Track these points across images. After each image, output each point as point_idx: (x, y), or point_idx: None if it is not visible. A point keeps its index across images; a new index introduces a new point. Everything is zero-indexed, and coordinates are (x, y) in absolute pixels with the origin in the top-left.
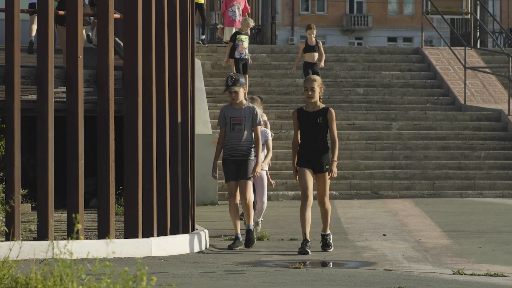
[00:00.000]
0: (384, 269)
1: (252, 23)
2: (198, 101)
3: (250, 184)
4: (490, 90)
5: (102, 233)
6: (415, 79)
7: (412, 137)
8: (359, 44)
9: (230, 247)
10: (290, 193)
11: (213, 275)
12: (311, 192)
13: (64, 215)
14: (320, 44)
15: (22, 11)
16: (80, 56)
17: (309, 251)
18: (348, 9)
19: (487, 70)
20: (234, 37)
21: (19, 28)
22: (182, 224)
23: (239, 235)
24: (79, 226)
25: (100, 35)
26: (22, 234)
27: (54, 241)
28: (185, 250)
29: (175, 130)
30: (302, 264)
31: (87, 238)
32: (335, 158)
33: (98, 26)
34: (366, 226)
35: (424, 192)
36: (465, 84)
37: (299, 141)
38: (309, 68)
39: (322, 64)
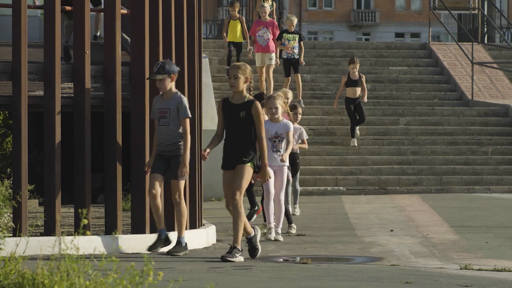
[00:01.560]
0: (391, 265)
1: (295, 19)
2: (205, 96)
3: (180, 184)
4: (498, 85)
5: (109, 228)
6: (423, 74)
7: (419, 133)
8: (366, 39)
9: (151, 248)
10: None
11: (220, 271)
12: None
13: (71, 211)
14: (363, 79)
15: (29, 7)
16: (87, 52)
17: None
18: (355, 5)
19: (494, 65)
20: (280, 36)
21: (26, 24)
22: (189, 219)
23: (164, 231)
24: (86, 221)
25: (107, 31)
26: (29, 230)
27: (61, 237)
28: (193, 245)
29: None
30: (310, 260)
31: (94, 234)
32: (266, 161)
33: (105, 22)
34: (374, 222)
35: (432, 187)
36: (472, 79)
37: (220, 133)
38: (351, 104)
39: (365, 99)
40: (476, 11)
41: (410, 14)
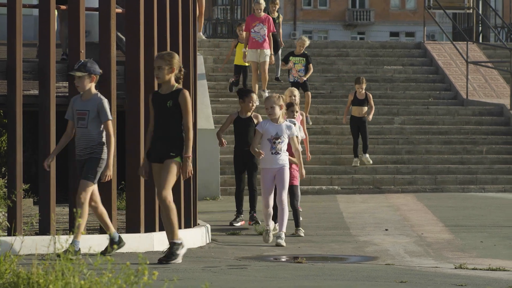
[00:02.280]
0: (386, 264)
1: (307, 40)
2: (200, 96)
3: (87, 185)
4: (492, 84)
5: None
6: (417, 73)
7: (414, 132)
8: (361, 39)
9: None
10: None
11: (215, 270)
12: None
13: (66, 210)
14: (370, 97)
15: (24, 6)
16: (82, 51)
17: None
18: (350, 4)
19: (489, 64)
20: (287, 59)
21: (21, 22)
22: (184, 218)
23: (116, 234)
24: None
25: (102, 30)
26: (24, 229)
27: (56, 236)
28: (187, 244)
29: None
30: (304, 259)
31: (89, 233)
32: (189, 153)
33: (100, 21)
34: (368, 221)
35: (426, 186)
36: (467, 78)
37: (153, 128)
38: (357, 123)
39: (370, 117)
40: (471, 10)
41: (405, 13)
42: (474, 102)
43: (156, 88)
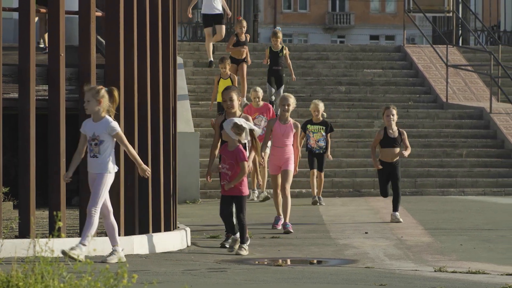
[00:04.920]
0: (365, 267)
1: (321, 105)
2: (180, 99)
3: None
4: (472, 88)
5: None
6: (397, 77)
7: None
8: (341, 42)
9: None
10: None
11: (195, 273)
12: None
13: (45, 213)
14: (405, 135)
15: (4, 9)
16: (62, 54)
17: None
18: (330, 7)
19: (469, 68)
20: (304, 127)
21: (0, 25)
22: (164, 222)
23: None
24: (61, 224)
25: (81, 33)
26: (3, 232)
27: (35, 239)
28: (167, 248)
29: (157, 128)
30: (284, 262)
31: (68, 236)
32: None
33: (80, 24)
34: (348, 224)
35: (406, 190)
36: (447, 82)
37: None
38: (387, 169)
39: (406, 153)
40: (450, 14)
41: (385, 17)
42: (454, 106)
43: (136, 93)
